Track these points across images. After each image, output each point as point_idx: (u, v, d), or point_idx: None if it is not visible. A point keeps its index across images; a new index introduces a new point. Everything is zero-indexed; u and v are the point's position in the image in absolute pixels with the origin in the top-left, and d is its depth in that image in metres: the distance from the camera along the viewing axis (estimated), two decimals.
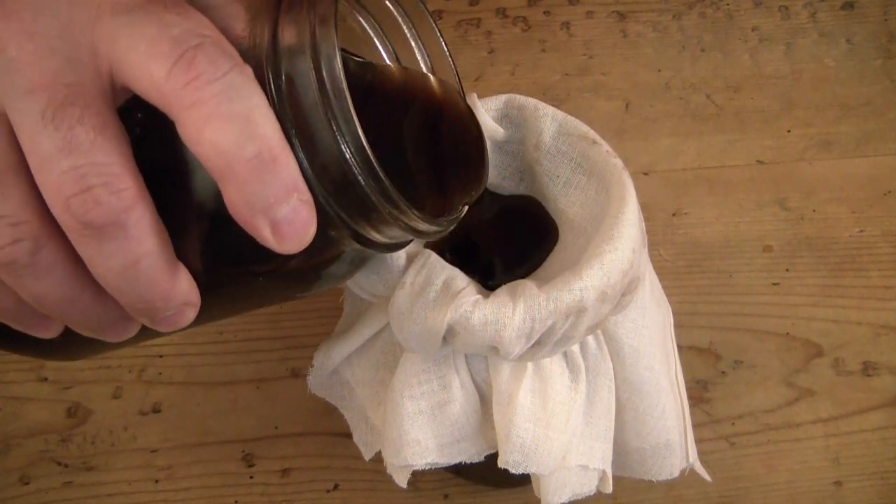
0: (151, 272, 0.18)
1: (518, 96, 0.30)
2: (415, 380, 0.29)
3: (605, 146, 0.29)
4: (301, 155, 0.18)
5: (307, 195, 0.18)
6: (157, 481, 0.44)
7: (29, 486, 0.44)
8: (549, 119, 0.30)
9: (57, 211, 0.17)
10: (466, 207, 0.24)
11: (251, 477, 0.44)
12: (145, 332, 0.22)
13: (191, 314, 0.20)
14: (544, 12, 0.57)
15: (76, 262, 0.19)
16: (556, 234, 0.30)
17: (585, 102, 0.55)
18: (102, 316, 0.20)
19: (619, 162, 0.28)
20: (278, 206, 0.18)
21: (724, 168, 0.52)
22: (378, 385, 0.32)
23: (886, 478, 0.44)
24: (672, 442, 0.32)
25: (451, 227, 0.23)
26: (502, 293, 0.26)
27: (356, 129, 0.18)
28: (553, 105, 0.30)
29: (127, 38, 0.18)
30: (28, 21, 0.18)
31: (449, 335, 0.27)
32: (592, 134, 0.29)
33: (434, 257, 0.27)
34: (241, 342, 0.47)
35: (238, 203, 0.18)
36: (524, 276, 0.29)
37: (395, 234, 0.21)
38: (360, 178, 0.19)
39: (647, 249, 0.28)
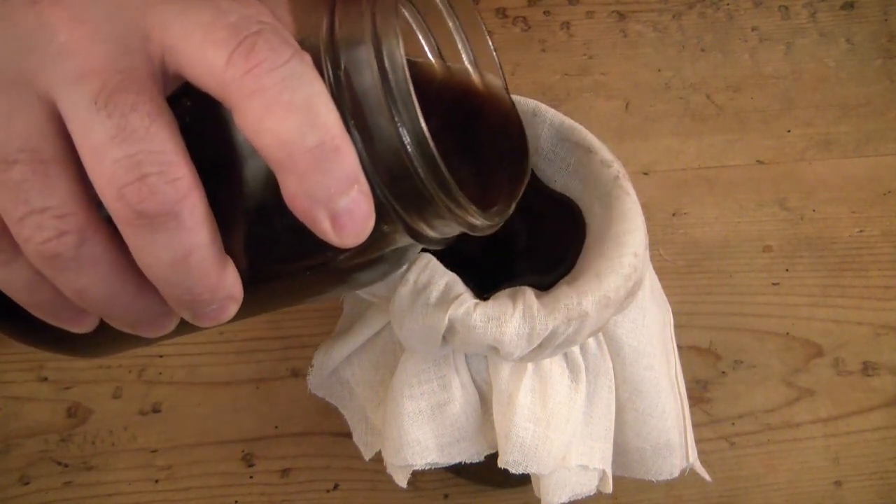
0: (202, 264, 0.18)
1: (518, 98, 0.30)
2: (415, 380, 0.29)
3: (601, 154, 0.29)
4: (359, 145, 0.18)
5: (366, 186, 0.18)
6: (157, 481, 0.44)
7: (29, 486, 0.44)
8: (546, 123, 0.30)
9: (108, 200, 0.17)
10: (514, 204, 0.24)
11: (251, 477, 0.44)
12: (180, 329, 0.21)
13: (233, 309, 0.20)
14: (544, 12, 0.57)
15: (121, 255, 0.18)
16: (566, 261, 0.30)
17: (585, 102, 0.55)
18: (143, 310, 0.20)
19: (613, 170, 0.28)
20: (338, 197, 0.17)
21: (724, 168, 0.52)
22: (378, 385, 0.32)
23: (886, 478, 0.44)
24: (672, 442, 0.32)
25: (501, 223, 0.22)
26: (503, 296, 0.26)
27: (418, 120, 0.18)
28: (553, 105, 0.30)
29: (182, 25, 0.17)
30: (78, 6, 0.17)
31: (449, 334, 0.27)
32: (589, 140, 0.29)
33: (435, 261, 0.27)
34: (241, 342, 0.47)
35: (297, 194, 0.17)
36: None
37: (447, 228, 0.21)
38: (419, 169, 0.18)
39: (647, 250, 0.28)
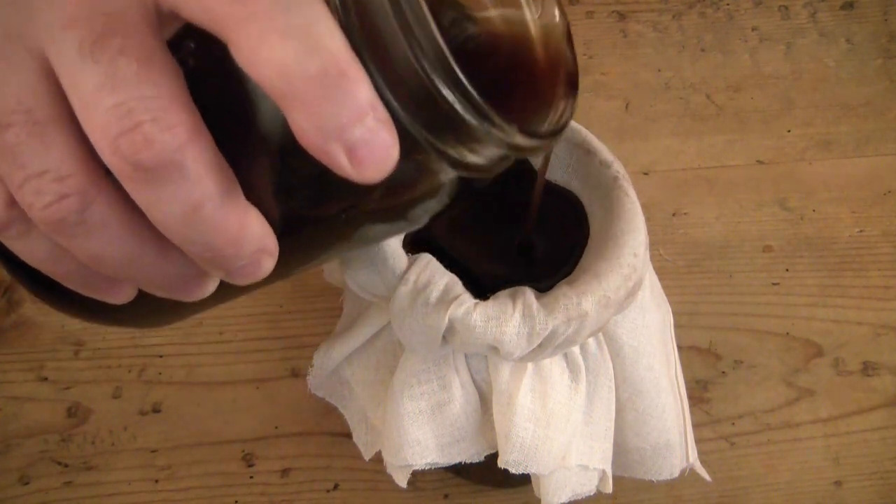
0: (217, 216, 0.16)
1: None
2: (415, 380, 0.29)
3: (601, 155, 0.29)
4: (374, 70, 0.16)
5: (384, 113, 0.16)
6: (157, 481, 0.44)
7: (29, 486, 0.44)
8: None
9: (105, 154, 0.16)
10: (564, 129, 0.22)
11: (251, 477, 0.44)
12: (226, 290, 0.20)
13: (268, 263, 0.18)
14: None
15: (133, 214, 0.17)
16: (568, 260, 0.29)
17: (585, 102, 0.55)
18: (171, 272, 0.18)
19: (612, 171, 0.28)
20: (352, 127, 0.16)
21: (724, 168, 0.52)
22: (378, 385, 0.32)
23: (886, 478, 0.44)
24: (672, 442, 0.32)
25: (553, 143, 0.21)
26: (503, 296, 0.26)
27: (431, 29, 0.16)
28: None
29: None
30: None
31: (449, 333, 0.27)
32: (589, 141, 0.29)
33: (435, 261, 0.27)
34: (241, 342, 0.47)
35: (306, 129, 0.16)
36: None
37: (487, 151, 0.19)
38: (439, 84, 0.16)
39: (647, 250, 0.28)
